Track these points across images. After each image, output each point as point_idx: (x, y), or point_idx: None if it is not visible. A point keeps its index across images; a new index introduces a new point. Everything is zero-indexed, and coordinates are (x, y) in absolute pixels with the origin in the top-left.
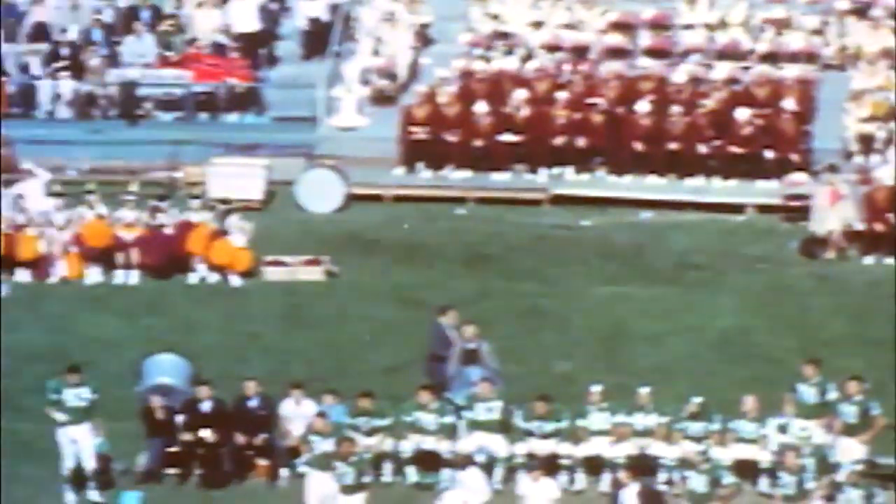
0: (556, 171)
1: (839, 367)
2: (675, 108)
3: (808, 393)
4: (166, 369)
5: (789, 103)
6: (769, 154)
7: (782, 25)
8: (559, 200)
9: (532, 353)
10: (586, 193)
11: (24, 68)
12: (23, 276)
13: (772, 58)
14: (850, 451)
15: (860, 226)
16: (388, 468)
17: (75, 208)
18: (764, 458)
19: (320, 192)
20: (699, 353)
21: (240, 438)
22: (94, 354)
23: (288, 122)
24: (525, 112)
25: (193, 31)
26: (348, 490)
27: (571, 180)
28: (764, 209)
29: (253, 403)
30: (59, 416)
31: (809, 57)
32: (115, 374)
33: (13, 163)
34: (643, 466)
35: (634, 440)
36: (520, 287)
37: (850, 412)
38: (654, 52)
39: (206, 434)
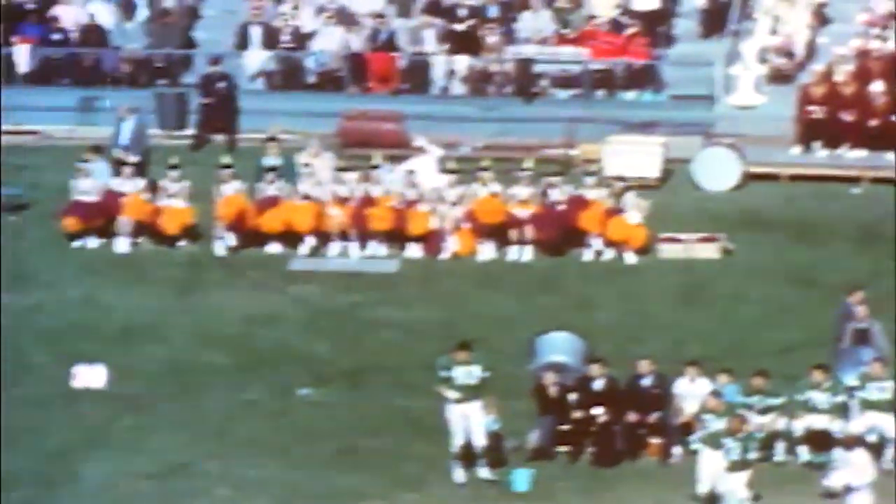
0: None
1: None
2: None
3: None
4: (560, 347)
5: None
6: None
7: None
8: None
9: None
10: None
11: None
12: (414, 251)
13: None
14: None
15: None
16: (780, 447)
17: (468, 185)
18: None
19: (717, 171)
20: None
21: (632, 417)
22: (486, 332)
23: (685, 101)
24: None
25: (591, 8)
26: (734, 467)
27: None
28: None
29: (646, 382)
30: (450, 394)
31: None
32: (508, 351)
33: (405, 139)
34: None
35: None
36: None
37: None
38: None
39: (599, 412)
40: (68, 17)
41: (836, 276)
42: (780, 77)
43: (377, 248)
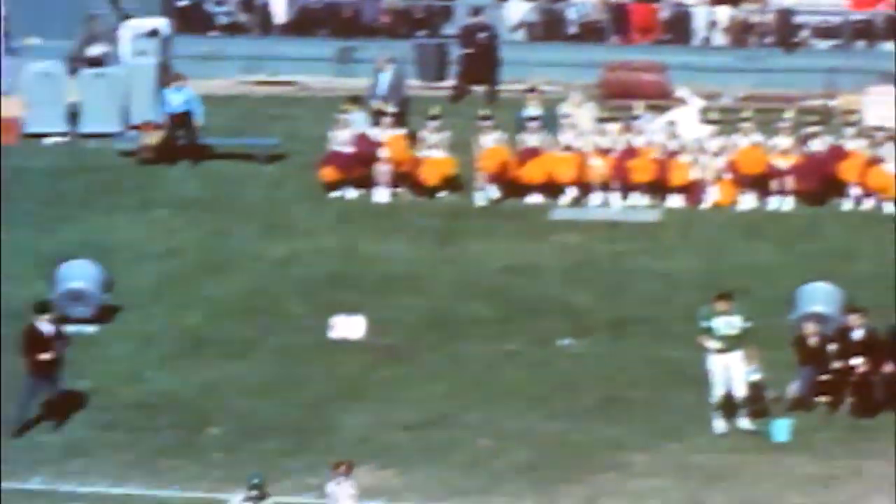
0: None
1: None
2: None
3: None
4: (820, 297)
5: None
6: None
7: None
8: None
9: None
10: None
11: None
12: (675, 201)
13: None
14: None
15: None
16: None
17: (730, 135)
18: None
19: None
20: None
21: (891, 367)
22: (747, 282)
23: None
24: None
25: None
26: None
27: None
28: None
29: None
30: (711, 344)
31: None
32: (769, 301)
33: (667, 89)
34: None
35: None
36: None
37: None
38: None
39: (858, 362)
40: None
41: None
42: None
43: (639, 199)
